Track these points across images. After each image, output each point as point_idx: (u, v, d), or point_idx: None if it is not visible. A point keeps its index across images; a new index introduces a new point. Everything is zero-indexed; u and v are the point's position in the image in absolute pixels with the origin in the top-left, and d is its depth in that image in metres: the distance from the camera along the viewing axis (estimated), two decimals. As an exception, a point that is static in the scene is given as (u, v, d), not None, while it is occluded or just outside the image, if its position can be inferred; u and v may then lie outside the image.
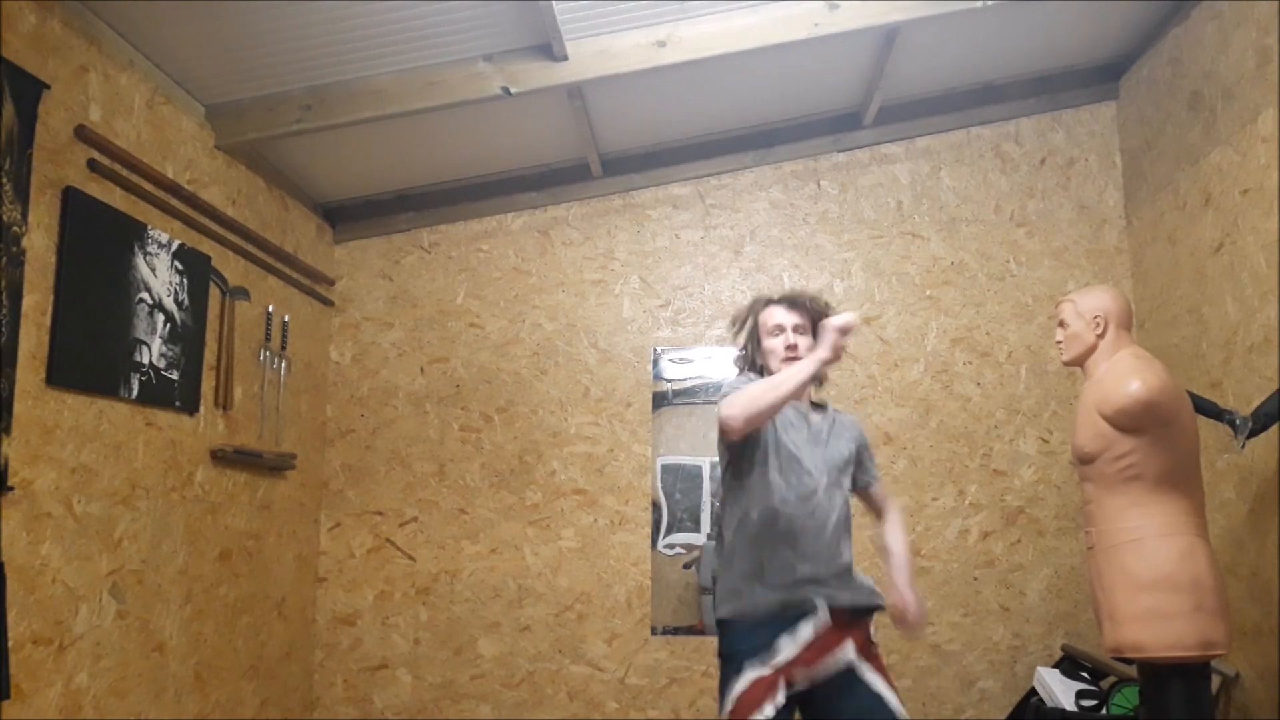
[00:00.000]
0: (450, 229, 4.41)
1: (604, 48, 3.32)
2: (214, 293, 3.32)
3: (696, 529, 4.11)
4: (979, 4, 3.36)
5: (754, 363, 2.57)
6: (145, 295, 2.92)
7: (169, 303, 3.04)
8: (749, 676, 2.25)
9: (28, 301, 2.42)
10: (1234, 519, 3.35)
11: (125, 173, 2.82)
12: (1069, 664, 3.66)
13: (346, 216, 4.40)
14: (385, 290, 4.39)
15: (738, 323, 2.62)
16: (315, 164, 3.95)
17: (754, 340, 2.56)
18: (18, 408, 2.38)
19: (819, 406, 2.56)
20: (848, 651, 2.30)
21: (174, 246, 3.07)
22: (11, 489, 2.35)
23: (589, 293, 4.34)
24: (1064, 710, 3.39)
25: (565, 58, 3.29)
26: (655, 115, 4.05)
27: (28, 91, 2.42)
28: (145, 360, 2.91)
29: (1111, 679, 3.43)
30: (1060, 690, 3.49)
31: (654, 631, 4.09)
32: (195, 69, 3.15)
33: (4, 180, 2.33)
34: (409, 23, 3.08)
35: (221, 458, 3.31)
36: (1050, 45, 4.03)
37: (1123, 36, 4.05)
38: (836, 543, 2.37)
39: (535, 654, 4.11)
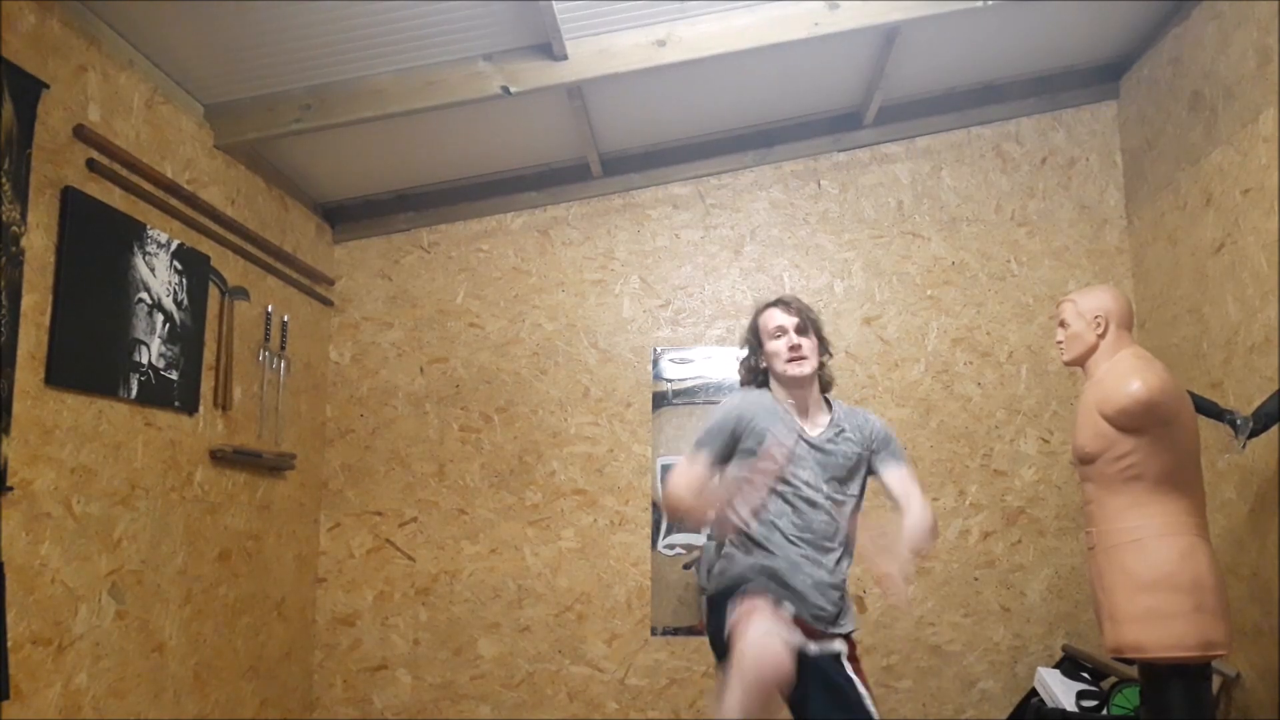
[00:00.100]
0: (450, 229, 4.41)
1: (604, 47, 3.31)
2: (213, 292, 3.32)
3: (696, 529, 4.11)
4: (979, 4, 3.36)
5: (757, 368, 2.58)
6: (144, 295, 2.92)
7: (168, 302, 3.04)
8: (751, 598, 2.27)
9: (27, 301, 2.42)
10: (1235, 519, 3.35)
11: (124, 172, 2.82)
12: (1069, 664, 3.66)
13: (346, 216, 4.40)
14: (385, 290, 4.38)
15: (745, 335, 2.65)
16: (315, 164, 3.94)
17: (756, 345, 2.57)
18: (17, 408, 2.37)
19: (828, 404, 2.56)
20: (835, 644, 2.32)
21: (173, 246, 3.07)
22: (11, 489, 2.34)
23: (589, 293, 4.34)
24: (1064, 711, 3.39)
25: (565, 57, 3.28)
26: (655, 115, 4.05)
27: (27, 91, 2.42)
28: (144, 360, 2.90)
29: (1112, 679, 3.43)
30: (1061, 691, 3.49)
31: (654, 632, 4.09)
32: (194, 68, 3.15)
33: (3, 180, 2.33)
34: (408, 22, 3.08)
35: (221, 458, 3.31)
36: (1050, 45, 4.03)
37: (1123, 36, 4.04)
38: (833, 562, 2.40)
39: (535, 654, 4.10)
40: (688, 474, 2.45)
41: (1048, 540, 4.08)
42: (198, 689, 3.20)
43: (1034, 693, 3.67)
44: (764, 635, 2.12)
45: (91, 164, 2.68)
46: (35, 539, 2.44)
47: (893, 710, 4.00)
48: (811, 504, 2.39)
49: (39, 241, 2.48)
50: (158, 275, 2.98)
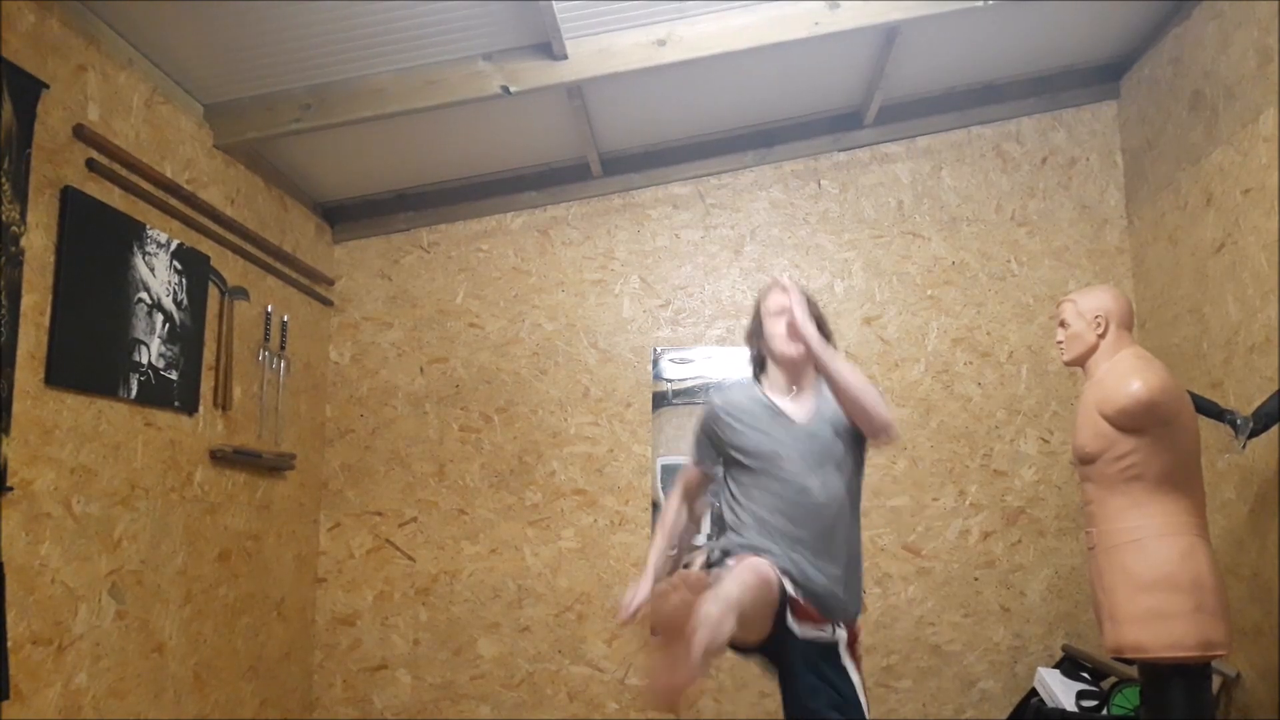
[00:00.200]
0: (450, 229, 4.41)
1: (603, 47, 3.31)
2: (213, 292, 3.32)
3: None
4: (979, 4, 3.35)
5: (759, 354, 2.59)
6: (144, 295, 2.91)
7: (168, 302, 3.04)
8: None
9: (26, 301, 2.42)
10: (1235, 519, 3.35)
11: (124, 172, 2.82)
12: (1069, 664, 3.66)
13: (346, 216, 4.39)
14: (384, 290, 4.38)
15: (750, 327, 2.66)
16: (314, 163, 3.94)
17: (757, 326, 2.57)
18: (17, 408, 2.37)
19: (811, 381, 2.54)
20: (833, 632, 2.31)
21: (173, 246, 3.06)
22: (11, 489, 2.34)
23: (589, 292, 4.34)
24: (1064, 711, 3.39)
25: (565, 57, 3.28)
26: (655, 115, 4.05)
27: (26, 91, 2.42)
28: (144, 360, 2.90)
29: (1112, 679, 3.43)
30: (1061, 691, 3.49)
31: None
32: (194, 68, 3.15)
33: (3, 180, 2.33)
34: (408, 22, 3.08)
35: (221, 458, 3.31)
36: (1050, 45, 4.03)
37: (1123, 36, 4.04)
38: (831, 540, 2.37)
39: (535, 654, 4.10)
40: (682, 478, 2.67)
41: (1048, 540, 4.08)
42: (198, 689, 3.20)
43: (1034, 693, 3.67)
44: (763, 562, 2.19)
45: (91, 164, 2.67)
46: (35, 539, 2.44)
47: (893, 710, 4.00)
48: (803, 491, 2.35)
49: (39, 241, 2.48)
50: (157, 275, 2.98)
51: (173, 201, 3.07)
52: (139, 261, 2.89)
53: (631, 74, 3.35)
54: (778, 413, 2.46)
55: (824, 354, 2.31)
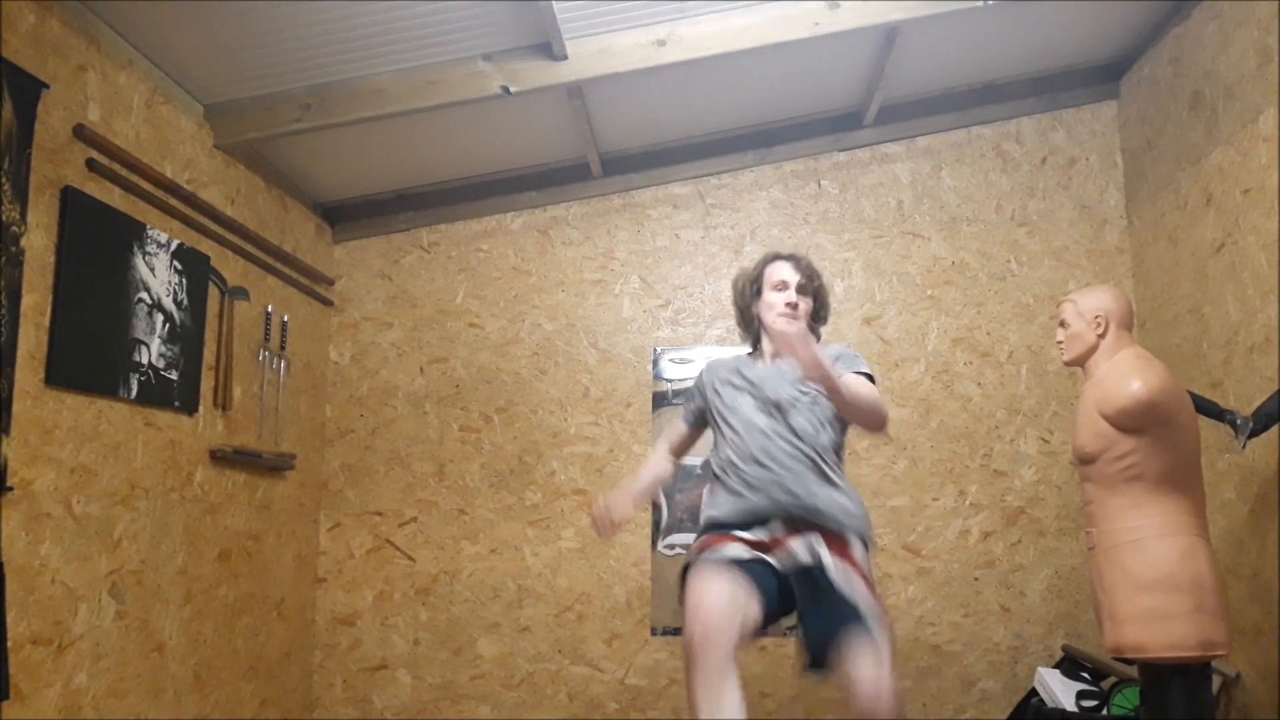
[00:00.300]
0: (450, 229, 4.41)
1: (603, 47, 3.31)
2: (213, 292, 3.32)
3: (696, 529, 4.10)
4: (979, 4, 3.35)
5: (750, 318, 2.69)
6: (144, 295, 2.92)
7: (168, 302, 3.04)
8: (707, 537, 2.42)
9: (26, 301, 2.42)
10: (1235, 519, 3.35)
11: (124, 172, 2.82)
12: (1069, 664, 3.66)
13: (346, 216, 4.39)
14: (384, 290, 4.38)
15: (741, 279, 2.74)
16: (314, 163, 3.94)
17: (754, 293, 2.63)
18: (17, 408, 2.37)
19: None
20: (816, 545, 2.30)
21: (173, 246, 3.07)
22: (11, 489, 2.34)
23: (589, 293, 4.34)
24: (1064, 711, 3.39)
25: (565, 57, 3.28)
26: (655, 115, 4.05)
27: (27, 91, 2.42)
28: (144, 360, 2.90)
29: (1112, 679, 3.42)
30: (1061, 691, 3.49)
31: (654, 632, 4.09)
32: (194, 68, 3.15)
33: (3, 180, 2.33)
34: (408, 22, 3.08)
35: (221, 458, 3.31)
36: (1050, 45, 4.03)
37: (1123, 36, 4.04)
38: (802, 479, 2.40)
39: (535, 654, 4.10)
40: (668, 435, 2.86)
41: (1048, 540, 4.08)
42: (198, 689, 3.20)
43: (1034, 693, 3.67)
44: (703, 588, 2.18)
45: (91, 164, 2.68)
46: (35, 539, 2.44)
47: (893, 710, 4.00)
48: (750, 428, 2.47)
49: (39, 241, 2.48)
50: (158, 275, 2.98)
51: (173, 201, 3.07)
52: (139, 261, 2.89)
53: (631, 74, 3.35)
54: (741, 374, 2.58)
55: (841, 383, 2.31)
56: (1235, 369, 3.34)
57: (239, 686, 3.48)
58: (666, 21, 3.30)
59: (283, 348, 3.82)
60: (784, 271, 2.63)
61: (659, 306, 4.32)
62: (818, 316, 2.71)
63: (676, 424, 2.84)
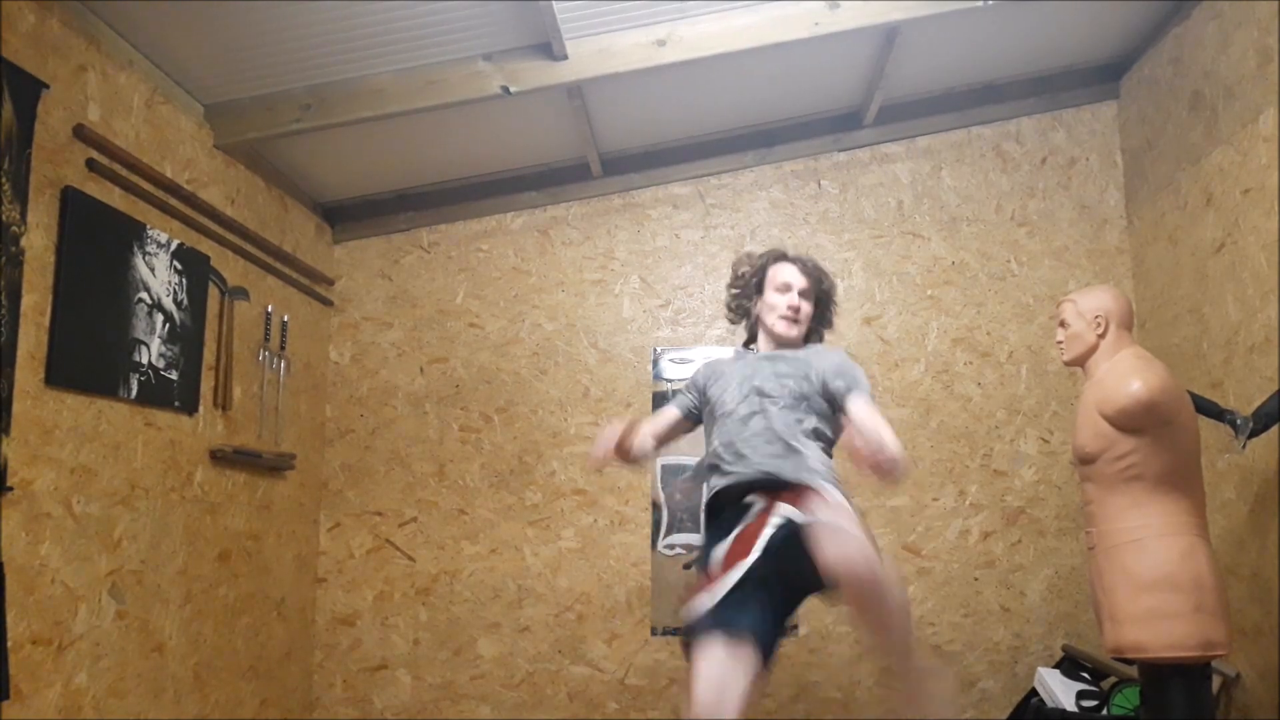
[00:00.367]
0: (450, 229, 4.41)
1: (603, 47, 3.31)
2: (213, 292, 3.32)
3: (696, 529, 4.11)
4: (979, 4, 3.35)
5: (748, 312, 2.67)
6: (144, 295, 2.92)
7: (168, 302, 3.04)
8: (715, 555, 2.32)
9: (26, 301, 2.42)
10: (1235, 519, 3.35)
11: (124, 172, 2.82)
12: (1069, 664, 3.66)
13: (346, 216, 4.39)
14: (384, 290, 4.38)
15: (744, 265, 2.69)
16: (314, 163, 3.94)
17: (756, 290, 2.62)
18: (17, 408, 2.37)
19: (791, 348, 2.60)
20: (780, 512, 2.26)
21: (173, 246, 3.07)
22: (11, 489, 2.34)
23: (589, 293, 4.34)
24: (1064, 711, 3.39)
25: (565, 57, 3.28)
26: (655, 115, 4.05)
27: (27, 91, 2.42)
28: (144, 360, 2.90)
29: (1112, 679, 3.42)
30: (1061, 691, 3.49)
31: (654, 632, 4.09)
32: (194, 68, 3.15)
33: (3, 180, 2.33)
34: (408, 22, 3.08)
35: (221, 458, 3.31)
36: (1050, 45, 4.03)
37: (1123, 36, 4.04)
38: (776, 457, 2.36)
39: (535, 654, 4.10)
40: (655, 419, 2.73)
41: (1048, 540, 4.07)
42: (198, 689, 3.20)
43: (1034, 693, 3.67)
44: (700, 671, 2.13)
45: (91, 164, 2.68)
46: (35, 539, 2.44)
47: (893, 710, 3.98)
48: (730, 415, 2.46)
49: (39, 241, 2.48)
50: (158, 275, 2.98)
51: (173, 201, 3.07)
52: (139, 261, 2.89)
53: (631, 74, 3.35)
54: (742, 357, 2.59)
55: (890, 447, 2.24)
56: (1235, 369, 3.34)
57: (239, 686, 3.48)
58: (666, 21, 3.30)
59: (283, 348, 3.82)
60: (789, 273, 2.61)
61: (659, 306, 4.32)
62: (823, 321, 2.70)
63: (668, 408, 2.74)
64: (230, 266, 3.44)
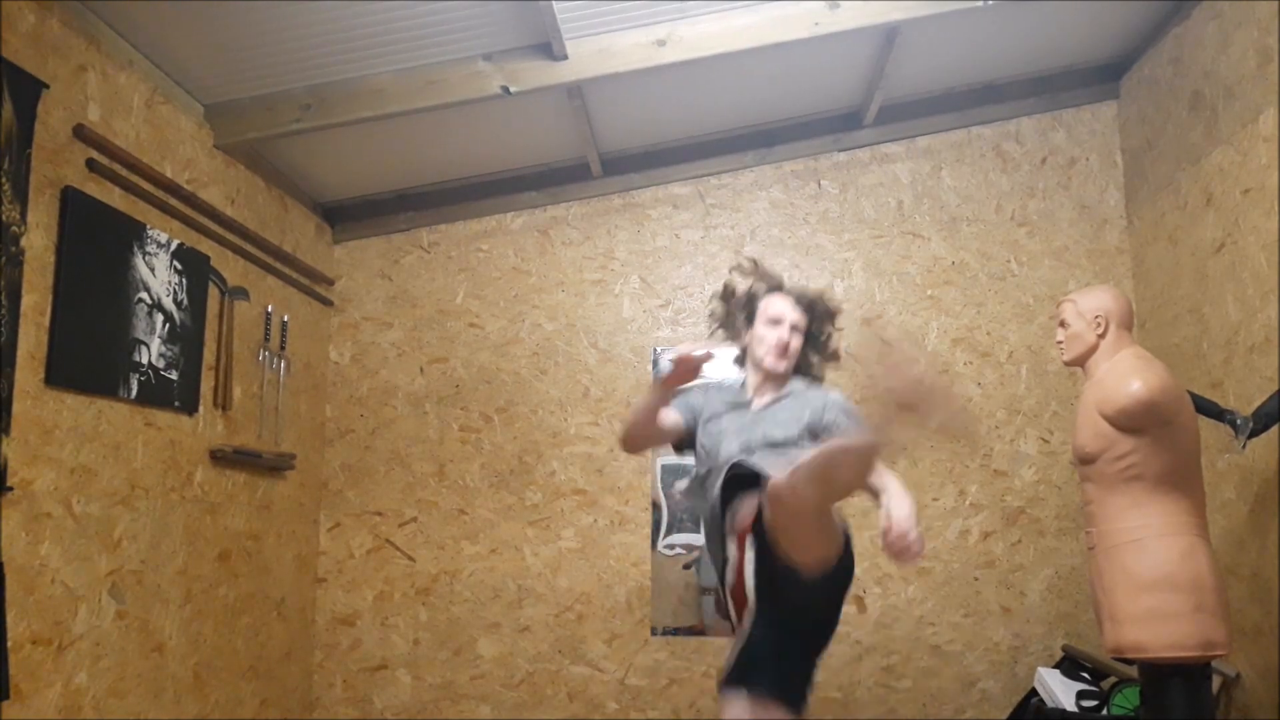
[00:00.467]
0: (450, 229, 4.41)
1: (604, 47, 3.31)
2: (213, 292, 3.32)
3: (696, 529, 4.11)
4: (979, 4, 3.35)
5: (734, 330, 2.61)
6: (144, 295, 2.91)
7: (168, 302, 3.04)
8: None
9: (26, 301, 2.42)
10: (1235, 519, 3.35)
11: (124, 172, 2.82)
12: (1069, 664, 3.66)
13: (346, 216, 4.39)
14: (384, 290, 4.38)
15: (733, 294, 2.63)
16: (314, 163, 3.94)
17: (747, 319, 2.58)
18: (17, 408, 2.37)
19: (784, 386, 2.54)
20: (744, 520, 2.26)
21: (173, 246, 3.06)
22: (11, 489, 2.34)
23: (589, 293, 4.33)
24: (1064, 711, 3.39)
25: (565, 57, 3.28)
26: (655, 115, 4.05)
27: (27, 91, 2.42)
28: (144, 360, 2.90)
29: (1112, 679, 3.43)
30: (1061, 691, 3.49)
31: (654, 632, 4.09)
32: (194, 68, 3.15)
33: (3, 180, 2.33)
34: (408, 22, 3.08)
35: (221, 458, 3.31)
36: (1050, 45, 4.03)
37: (1123, 36, 4.04)
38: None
39: (535, 654, 4.10)
40: (664, 411, 2.55)
41: (1048, 540, 4.07)
42: (198, 689, 3.20)
43: (1034, 693, 3.67)
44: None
45: (91, 164, 2.67)
46: (35, 539, 2.44)
47: (893, 710, 4.00)
48: (724, 471, 2.38)
49: (39, 241, 2.48)
50: (158, 275, 2.98)
51: (173, 201, 3.07)
52: (139, 261, 2.89)
53: (631, 74, 3.35)
54: (736, 409, 2.51)
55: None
56: (1235, 369, 3.34)
57: (239, 686, 3.48)
58: (666, 21, 3.30)
59: (283, 348, 3.82)
60: (781, 307, 2.52)
61: (659, 306, 4.32)
62: (825, 354, 2.60)
63: (671, 411, 2.62)
64: (230, 266, 3.44)
